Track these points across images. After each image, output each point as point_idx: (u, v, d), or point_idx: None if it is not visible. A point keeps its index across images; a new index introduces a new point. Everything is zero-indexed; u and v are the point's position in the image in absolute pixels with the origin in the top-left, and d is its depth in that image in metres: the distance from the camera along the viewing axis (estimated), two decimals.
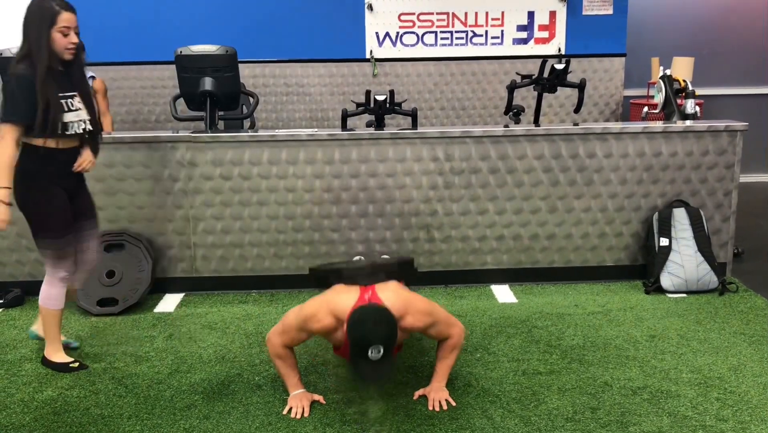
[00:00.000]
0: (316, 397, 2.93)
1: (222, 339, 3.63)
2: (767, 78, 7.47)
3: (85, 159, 3.20)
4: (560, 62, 4.81)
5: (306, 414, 2.83)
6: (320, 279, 3.11)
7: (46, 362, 3.31)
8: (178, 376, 3.21)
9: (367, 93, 4.55)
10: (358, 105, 4.62)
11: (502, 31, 6.86)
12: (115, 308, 4.00)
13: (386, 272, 2.98)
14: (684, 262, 4.18)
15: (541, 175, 4.28)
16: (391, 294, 2.78)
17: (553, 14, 6.82)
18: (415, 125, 4.53)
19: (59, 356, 3.30)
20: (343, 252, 4.31)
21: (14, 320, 3.93)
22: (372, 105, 4.53)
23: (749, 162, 7.12)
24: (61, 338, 3.50)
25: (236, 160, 4.19)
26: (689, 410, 2.83)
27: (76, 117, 3.11)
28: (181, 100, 4.53)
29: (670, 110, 4.92)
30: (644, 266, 4.39)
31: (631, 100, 7.16)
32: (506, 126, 4.39)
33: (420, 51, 6.88)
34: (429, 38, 6.86)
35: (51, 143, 3.05)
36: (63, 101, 3.05)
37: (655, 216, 4.30)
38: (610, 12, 6.80)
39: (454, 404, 2.89)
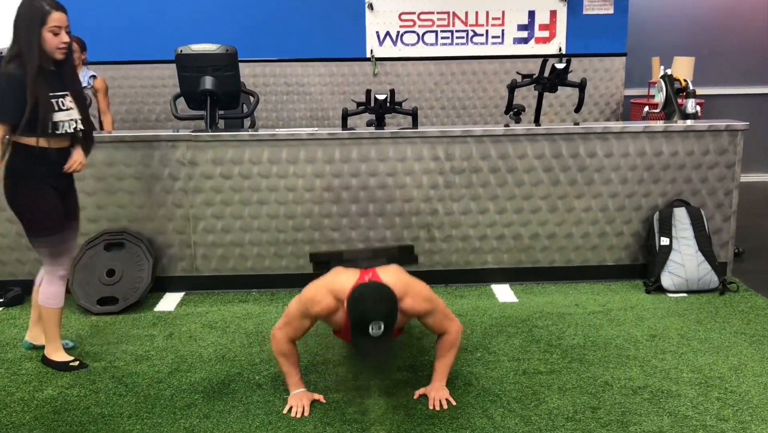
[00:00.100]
0: (317, 396, 2.93)
1: (222, 338, 3.63)
2: None
3: (75, 160, 3.19)
4: (561, 62, 4.80)
5: (306, 413, 2.83)
6: (321, 263, 3.13)
7: (46, 361, 3.31)
8: (178, 375, 3.21)
9: (368, 92, 4.54)
10: (359, 104, 4.62)
11: (503, 30, 6.86)
12: (116, 306, 4.00)
13: (387, 257, 2.98)
14: (685, 261, 4.17)
15: (542, 174, 4.28)
16: (391, 276, 2.79)
17: (553, 14, 6.82)
18: (415, 124, 4.52)
19: (59, 355, 3.30)
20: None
21: (14, 319, 3.92)
22: (372, 104, 4.52)
23: (750, 162, 7.12)
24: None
25: (236, 160, 4.19)
26: (690, 409, 2.82)
27: (67, 117, 3.10)
28: (182, 99, 4.53)
29: (670, 110, 4.92)
30: (645, 266, 4.39)
31: (632, 100, 7.16)
32: (507, 125, 4.39)
33: (420, 50, 6.87)
34: (429, 37, 6.86)
35: (41, 142, 3.04)
36: (53, 101, 3.05)
37: (656, 215, 4.29)
38: (611, 11, 6.80)
39: (454, 403, 2.89)
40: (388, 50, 6.86)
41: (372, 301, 2.54)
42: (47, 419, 2.83)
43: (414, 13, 6.81)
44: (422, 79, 6.93)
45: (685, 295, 4.15)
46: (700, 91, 5.52)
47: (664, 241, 4.23)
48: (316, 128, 4.40)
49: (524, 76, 5.04)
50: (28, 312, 3.96)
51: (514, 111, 5.20)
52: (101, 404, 2.95)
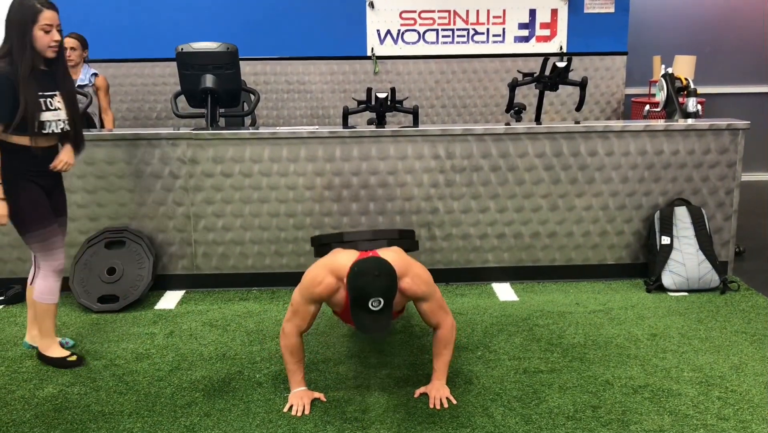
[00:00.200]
0: (317, 395, 2.93)
1: (223, 336, 3.63)
2: None
3: (61, 160, 3.19)
4: (562, 60, 4.80)
5: (307, 412, 2.83)
6: (322, 246, 3.12)
7: (41, 358, 3.31)
8: (178, 373, 3.21)
9: (369, 90, 4.54)
10: (360, 102, 4.62)
11: (504, 28, 6.85)
12: (116, 304, 4.00)
13: (387, 239, 2.98)
14: (685, 260, 4.17)
15: (543, 173, 4.28)
16: (393, 254, 2.80)
17: (554, 12, 6.81)
18: (416, 123, 4.52)
19: (54, 351, 3.30)
20: None
21: (15, 317, 3.92)
22: (373, 102, 4.52)
23: (751, 161, 7.11)
24: (57, 338, 3.51)
25: (237, 158, 4.18)
26: (690, 408, 2.82)
27: (54, 116, 3.10)
28: (182, 98, 4.53)
29: (671, 109, 4.92)
30: (645, 265, 4.38)
31: (633, 99, 7.15)
32: (508, 124, 4.39)
33: (421, 49, 6.87)
34: (430, 36, 6.85)
35: (27, 141, 3.04)
36: (41, 100, 3.05)
37: (657, 214, 4.29)
38: (612, 10, 6.79)
39: (454, 402, 2.88)
40: (388, 48, 6.85)
41: (372, 275, 2.53)
42: (48, 417, 2.83)
43: (415, 11, 6.80)
44: (423, 78, 6.92)
45: (685, 294, 4.14)
46: (701, 90, 5.52)
47: (665, 240, 4.23)
48: (317, 126, 4.40)
49: (525, 75, 5.04)
50: None
51: (515, 109, 5.20)
52: (102, 402, 2.95)
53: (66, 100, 3.17)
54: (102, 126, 5.20)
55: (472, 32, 6.85)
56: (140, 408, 2.90)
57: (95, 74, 5.14)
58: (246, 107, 5.29)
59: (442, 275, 4.35)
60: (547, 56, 5.05)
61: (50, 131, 3.10)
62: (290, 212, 4.26)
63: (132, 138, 4.17)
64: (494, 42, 6.87)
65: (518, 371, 3.16)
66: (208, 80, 4.27)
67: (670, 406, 2.84)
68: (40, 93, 3.05)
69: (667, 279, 4.17)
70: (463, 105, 6.99)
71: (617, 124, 4.30)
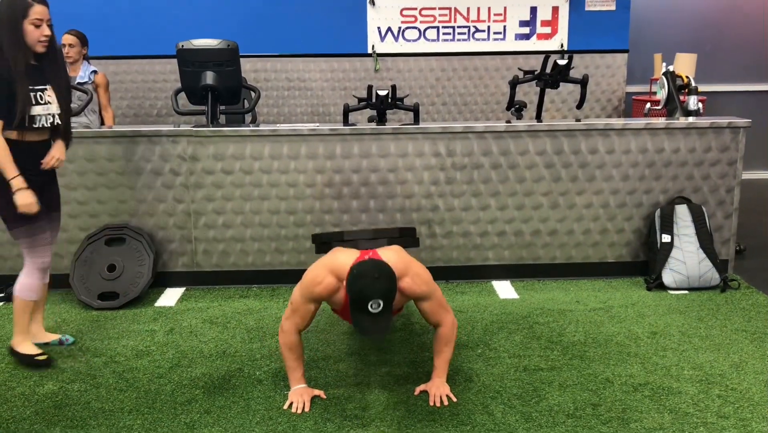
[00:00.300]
0: (317, 392, 2.93)
1: (223, 334, 3.63)
2: None
3: (53, 156, 3.19)
4: (563, 58, 4.79)
5: (307, 409, 2.83)
6: (322, 244, 3.11)
7: (12, 352, 3.30)
8: (179, 370, 3.21)
9: (369, 88, 4.54)
10: (360, 100, 4.62)
11: (505, 26, 6.84)
12: (116, 301, 4.00)
13: (388, 238, 2.98)
14: (686, 258, 4.17)
15: (543, 171, 4.27)
16: (392, 254, 2.80)
17: (555, 10, 6.80)
18: (417, 120, 4.52)
19: (25, 347, 3.29)
20: None
21: (12, 315, 3.92)
22: (374, 100, 4.52)
23: (752, 159, 7.10)
24: (57, 335, 3.51)
25: (238, 155, 4.18)
26: (690, 406, 2.82)
27: (45, 110, 3.10)
28: (183, 95, 4.52)
29: (672, 107, 4.91)
30: (646, 263, 4.38)
31: (634, 97, 7.14)
32: (508, 122, 4.38)
33: (422, 46, 6.86)
34: (431, 33, 6.85)
35: (18, 136, 3.04)
36: (32, 94, 3.04)
37: (657, 212, 4.29)
38: (613, 8, 6.78)
39: (455, 399, 2.88)
40: (389, 46, 6.84)
41: (371, 278, 2.54)
42: (48, 414, 2.83)
43: (415, 8, 6.79)
44: (424, 75, 6.92)
45: (686, 292, 4.14)
46: (702, 88, 5.51)
47: (666, 238, 4.23)
48: (318, 124, 4.39)
49: (526, 73, 5.04)
50: None
51: (515, 107, 5.19)
52: (102, 399, 2.95)
53: (57, 93, 3.16)
54: (102, 123, 5.19)
55: (473, 30, 6.84)
56: (140, 405, 2.90)
57: (95, 71, 5.14)
58: (246, 104, 5.28)
59: (442, 273, 4.35)
60: (548, 54, 5.04)
61: (40, 125, 3.09)
62: (291, 210, 4.26)
63: (132, 135, 4.17)
64: (495, 39, 6.86)
65: (518, 369, 3.16)
66: (209, 77, 4.27)
67: (670, 404, 2.84)
68: (31, 87, 3.04)
69: (668, 277, 4.16)
70: (464, 102, 6.99)
71: (618, 122, 4.30)
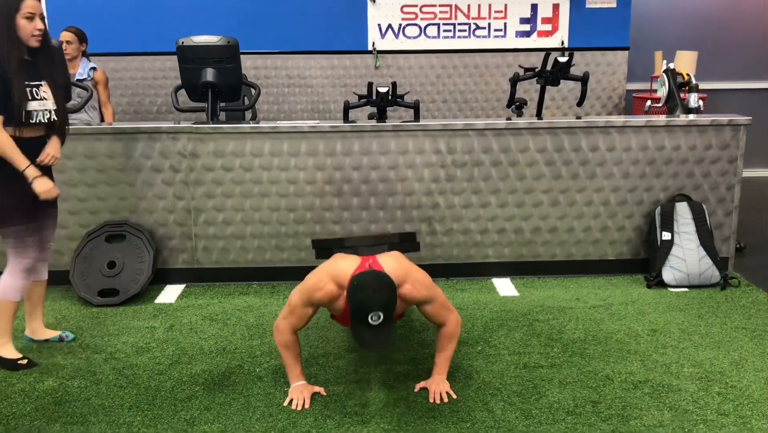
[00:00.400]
0: (317, 389, 2.93)
1: (223, 330, 3.63)
2: None
3: (48, 153, 3.17)
4: (563, 55, 4.78)
5: (307, 406, 2.83)
6: (323, 250, 3.12)
7: None
8: (179, 367, 3.22)
9: (370, 85, 4.53)
10: (361, 97, 4.61)
11: (505, 23, 6.84)
12: (116, 298, 4.00)
13: (388, 244, 2.97)
14: (686, 256, 4.17)
15: (544, 168, 4.27)
16: (391, 261, 2.79)
17: (556, 7, 6.79)
18: (417, 117, 4.52)
19: (7, 351, 3.23)
20: None
21: None
22: (374, 97, 4.51)
23: (752, 157, 7.10)
24: (57, 332, 3.51)
25: (238, 152, 4.18)
26: (690, 404, 2.82)
27: (41, 106, 3.08)
28: (183, 91, 4.52)
29: (673, 104, 4.91)
30: (646, 260, 4.38)
31: (634, 94, 7.13)
32: (509, 119, 4.38)
33: (422, 43, 6.85)
34: (432, 30, 6.84)
35: (15, 132, 3.02)
36: (27, 90, 3.03)
37: (658, 210, 4.29)
38: (614, 5, 6.78)
39: (455, 396, 2.89)
40: (389, 43, 6.84)
41: (372, 290, 2.53)
42: (48, 410, 2.84)
43: (416, 5, 6.78)
44: (424, 72, 6.91)
45: (686, 290, 4.14)
46: (702, 86, 5.51)
47: (666, 235, 4.22)
48: (318, 121, 4.39)
49: (526, 70, 5.03)
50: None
51: (516, 105, 5.19)
52: (102, 396, 2.95)
53: (52, 89, 3.14)
54: (102, 120, 5.19)
55: (473, 27, 6.83)
56: (140, 402, 2.90)
57: (94, 68, 5.13)
58: (247, 101, 5.28)
59: (442, 270, 4.35)
60: (548, 51, 5.03)
61: (37, 121, 3.08)
62: (291, 207, 4.26)
63: (132, 132, 4.16)
64: (496, 37, 6.85)
65: (518, 366, 3.16)
66: (209, 74, 4.26)
67: (670, 401, 2.84)
68: (26, 83, 3.03)
69: (668, 275, 4.16)
70: (465, 100, 6.98)
71: (619, 119, 4.30)
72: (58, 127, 3.21)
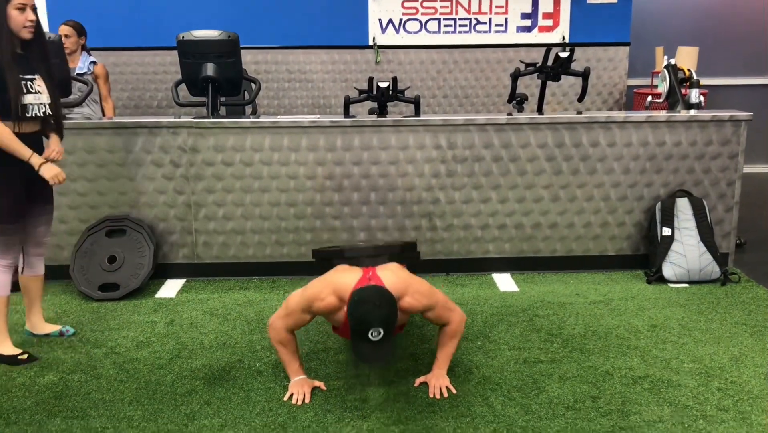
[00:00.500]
0: (317, 383, 2.94)
1: (223, 325, 3.63)
2: None
3: (53, 150, 3.17)
4: (564, 51, 4.77)
5: (307, 400, 2.83)
6: (323, 260, 3.12)
7: None
8: (179, 361, 3.22)
9: (370, 80, 4.52)
10: (361, 92, 4.60)
11: (506, 18, 6.83)
12: (117, 293, 4.00)
13: (389, 254, 2.97)
14: (686, 252, 4.17)
15: (544, 163, 4.27)
16: (390, 274, 2.78)
17: (557, 2, 6.78)
18: (418, 113, 4.51)
19: (5, 348, 3.22)
20: (345, 240, 4.31)
21: (14, 305, 3.91)
22: (375, 92, 4.50)
23: (753, 152, 7.08)
24: (57, 326, 3.51)
25: (238, 147, 4.18)
26: (690, 399, 2.83)
27: (36, 100, 3.06)
28: (183, 86, 4.51)
29: (674, 100, 4.90)
30: (646, 256, 4.38)
31: (635, 90, 7.13)
32: (509, 114, 4.37)
33: (423, 38, 6.84)
34: (432, 25, 6.83)
35: (14, 128, 2.99)
36: (23, 83, 3.00)
37: (658, 206, 4.28)
38: (615, 0, 6.76)
39: (454, 391, 2.89)
40: (390, 38, 6.83)
41: (372, 305, 2.54)
42: (48, 405, 2.84)
43: (417, 0, 6.77)
44: (425, 68, 6.90)
45: (686, 285, 4.14)
46: (703, 82, 5.50)
47: (666, 231, 4.22)
48: (318, 116, 4.38)
49: (527, 65, 5.02)
50: None
51: (517, 100, 5.18)
52: (102, 390, 2.95)
53: (47, 83, 3.12)
54: (102, 114, 5.19)
55: (474, 22, 6.82)
56: (140, 396, 2.90)
57: (94, 62, 5.12)
58: (247, 96, 5.27)
59: (442, 266, 4.35)
60: (549, 46, 5.02)
61: (32, 115, 3.06)
62: (291, 202, 4.26)
63: (133, 126, 4.16)
64: (496, 32, 6.84)
65: (518, 361, 3.17)
66: (209, 69, 4.26)
67: (669, 397, 2.85)
68: (21, 76, 3.00)
69: (668, 270, 4.16)
70: (465, 95, 6.97)
71: (619, 114, 4.29)
72: (54, 122, 3.20)
